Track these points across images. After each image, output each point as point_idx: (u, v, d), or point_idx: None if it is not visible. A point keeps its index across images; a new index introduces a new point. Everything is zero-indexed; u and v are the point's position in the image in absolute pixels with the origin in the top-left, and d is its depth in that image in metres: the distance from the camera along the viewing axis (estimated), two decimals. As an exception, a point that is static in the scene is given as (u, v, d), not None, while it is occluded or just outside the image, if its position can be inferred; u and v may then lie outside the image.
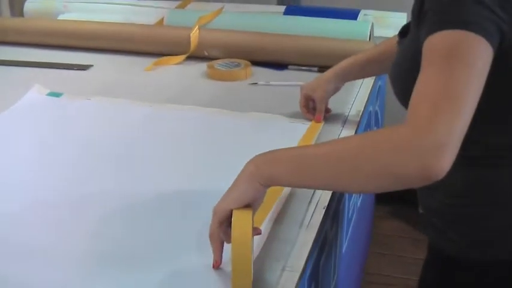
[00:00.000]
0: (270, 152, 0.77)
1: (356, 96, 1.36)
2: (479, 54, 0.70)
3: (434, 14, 0.74)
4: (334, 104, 1.22)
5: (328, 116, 1.22)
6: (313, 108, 1.21)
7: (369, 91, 1.39)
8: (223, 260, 0.78)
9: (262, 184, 0.75)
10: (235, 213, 0.74)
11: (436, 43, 0.72)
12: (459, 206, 0.90)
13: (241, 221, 0.74)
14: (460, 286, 0.94)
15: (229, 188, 0.77)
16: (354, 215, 1.44)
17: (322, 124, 1.19)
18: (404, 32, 0.92)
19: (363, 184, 0.72)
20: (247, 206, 0.76)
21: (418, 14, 0.78)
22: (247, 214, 0.74)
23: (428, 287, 1.02)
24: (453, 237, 0.91)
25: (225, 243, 0.78)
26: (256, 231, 0.78)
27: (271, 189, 0.78)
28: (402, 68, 0.87)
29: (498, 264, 0.89)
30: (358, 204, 1.52)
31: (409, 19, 0.87)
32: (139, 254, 0.82)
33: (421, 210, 0.98)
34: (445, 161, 0.65)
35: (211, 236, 0.77)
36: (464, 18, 0.71)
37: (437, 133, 0.65)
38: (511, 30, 0.73)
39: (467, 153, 0.72)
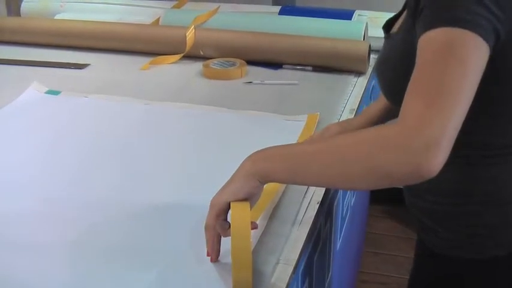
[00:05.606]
0: (266, 148, 0.78)
1: (350, 95, 1.37)
2: (475, 51, 0.69)
3: (430, 11, 0.73)
4: (328, 102, 1.23)
5: None
6: None
7: (362, 90, 1.40)
8: (221, 254, 0.79)
9: (258, 180, 0.76)
10: (233, 205, 0.75)
11: (431, 40, 0.71)
12: (450, 204, 0.89)
13: (240, 212, 0.74)
14: (451, 282, 0.94)
15: (227, 182, 0.77)
16: (348, 213, 1.45)
17: (317, 121, 1.20)
18: (389, 25, 0.92)
19: (354, 182, 0.72)
20: (244, 201, 0.76)
21: (415, 9, 0.77)
22: (245, 206, 0.75)
23: (418, 284, 1.02)
24: (443, 235, 0.91)
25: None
26: (253, 225, 0.78)
27: (267, 187, 0.79)
28: (392, 62, 0.86)
29: (488, 260, 0.89)
30: (352, 202, 1.53)
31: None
32: (140, 249, 0.83)
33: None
34: (437, 160, 0.65)
35: (206, 228, 0.77)
36: (460, 16, 0.70)
37: (429, 132, 0.65)
38: (505, 28, 0.72)
39: (459, 152, 0.71)
